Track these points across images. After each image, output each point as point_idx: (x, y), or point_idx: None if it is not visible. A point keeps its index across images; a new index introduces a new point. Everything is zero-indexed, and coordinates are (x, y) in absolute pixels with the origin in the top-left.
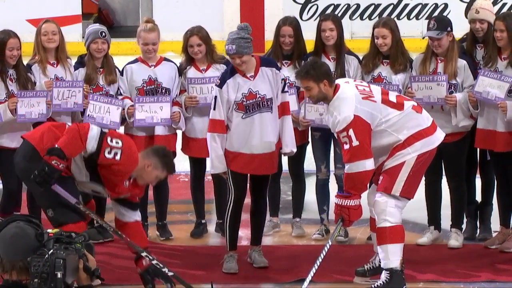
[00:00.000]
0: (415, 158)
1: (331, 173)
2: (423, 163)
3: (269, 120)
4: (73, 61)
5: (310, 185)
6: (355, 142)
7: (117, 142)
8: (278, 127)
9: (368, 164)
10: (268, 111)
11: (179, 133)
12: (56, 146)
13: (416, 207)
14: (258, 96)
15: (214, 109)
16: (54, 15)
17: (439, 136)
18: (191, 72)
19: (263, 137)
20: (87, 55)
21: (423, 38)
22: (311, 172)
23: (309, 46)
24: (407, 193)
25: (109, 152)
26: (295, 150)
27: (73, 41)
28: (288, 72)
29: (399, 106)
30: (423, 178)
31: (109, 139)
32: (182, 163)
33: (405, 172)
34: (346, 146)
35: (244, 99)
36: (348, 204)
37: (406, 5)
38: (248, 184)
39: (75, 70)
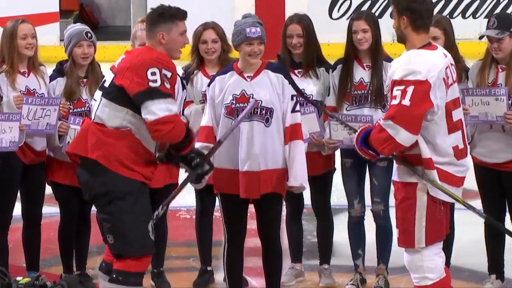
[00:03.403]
0: (426, 199)
1: (366, 209)
2: (439, 207)
3: (261, 133)
4: (49, 69)
5: (341, 223)
6: (406, 102)
7: (153, 74)
8: (278, 148)
9: (403, 137)
10: (261, 121)
11: None
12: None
13: (474, 251)
14: (251, 100)
15: (205, 114)
16: (26, 13)
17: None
18: (199, 80)
19: (249, 150)
20: (68, 63)
21: (480, 38)
22: (342, 207)
23: (340, 51)
24: (435, 239)
25: (167, 82)
26: (306, 185)
27: (48, 44)
28: (302, 83)
29: (450, 128)
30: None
31: (158, 80)
32: (184, 196)
33: (421, 217)
34: (394, 102)
35: (234, 101)
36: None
37: (460, 0)
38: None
39: (51, 80)
